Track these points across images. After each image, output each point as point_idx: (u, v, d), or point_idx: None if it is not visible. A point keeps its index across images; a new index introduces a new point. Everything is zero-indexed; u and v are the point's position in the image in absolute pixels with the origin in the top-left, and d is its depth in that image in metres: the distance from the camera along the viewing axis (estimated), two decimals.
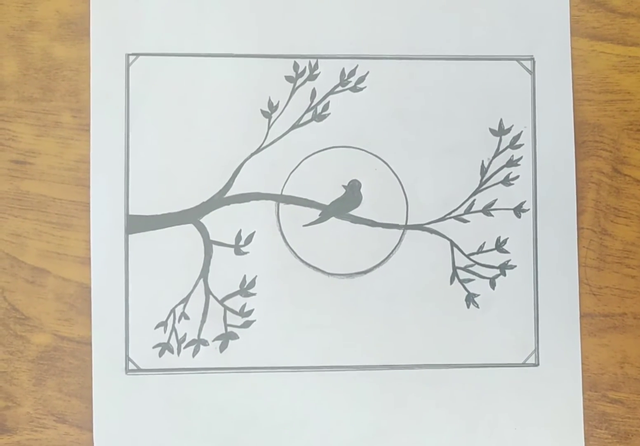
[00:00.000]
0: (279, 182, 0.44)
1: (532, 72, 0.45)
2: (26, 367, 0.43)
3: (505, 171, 0.45)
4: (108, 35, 0.44)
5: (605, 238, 0.45)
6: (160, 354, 0.43)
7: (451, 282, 0.44)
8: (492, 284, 0.45)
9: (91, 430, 0.43)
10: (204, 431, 0.43)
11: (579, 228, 0.45)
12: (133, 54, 0.44)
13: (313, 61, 0.44)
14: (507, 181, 0.45)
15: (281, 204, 0.44)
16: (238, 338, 0.44)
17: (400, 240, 0.44)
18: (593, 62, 0.45)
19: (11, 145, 0.44)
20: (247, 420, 0.43)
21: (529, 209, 0.45)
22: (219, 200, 0.44)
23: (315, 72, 0.44)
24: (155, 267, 0.43)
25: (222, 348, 0.44)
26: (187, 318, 0.43)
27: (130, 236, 0.43)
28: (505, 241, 0.45)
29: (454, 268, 0.45)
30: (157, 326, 0.43)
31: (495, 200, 0.45)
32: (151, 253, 0.43)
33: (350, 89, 0.45)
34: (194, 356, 0.43)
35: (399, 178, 0.45)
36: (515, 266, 0.45)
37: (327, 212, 0.44)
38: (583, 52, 0.46)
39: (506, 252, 0.45)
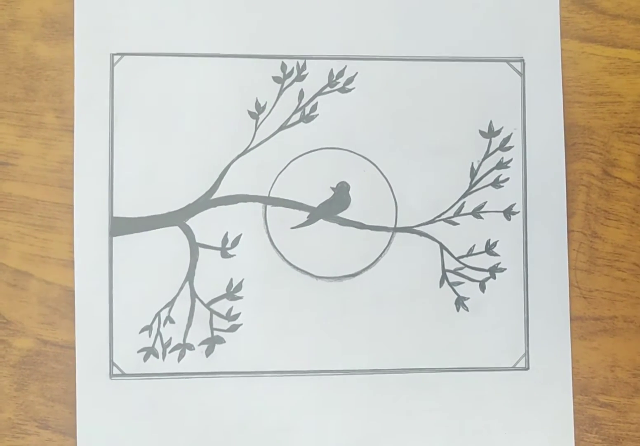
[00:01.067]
0: (266, 184, 0.44)
1: (522, 74, 0.45)
2: (8, 372, 0.43)
3: (495, 173, 0.45)
4: (92, 35, 0.43)
5: (595, 241, 0.45)
6: (145, 358, 0.43)
7: (441, 285, 0.44)
8: (482, 287, 0.44)
9: (74, 436, 0.42)
10: (190, 437, 0.43)
11: (569, 231, 0.45)
12: (118, 54, 0.43)
13: (301, 62, 0.44)
14: (497, 183, 0.45)
15: (268, 206, 0.44)
16: (224, 342, 0.43)
17: (389, 243, 0.44)
18: (583, 63, 0.45)
19: None
20: (234, 425, 0.43)
21: (519, 212, 0.45)
22: (205, 202, 0.43)
23: (303, 73, 0.44)
24: (140, 270, 0.43)
25: (208, 352, 0.43)
26: (172, 322, 0.43)
27: (114, 238, 0.43)
28: (495, 244, 0.44)
29: (444, 271, 0.44)
30: (141, 330, 0.43)
31: (485, 202, 0.45)
32: (136, 256, 0.43)
33: (338, 90, 0.44)
34: (179, 360, 0.43)
35: (388, 180, 0.44)
36: (505, 269, 0.44)
37: (315, 214, 0.44)
38: (573, 53, 0.45)
39: (496, 255, 0.44)
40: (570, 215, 0.45)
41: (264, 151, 0.44)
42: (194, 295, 0.43)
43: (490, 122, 0.45)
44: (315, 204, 0.44)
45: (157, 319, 0.43)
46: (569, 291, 0.45)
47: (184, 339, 0.43)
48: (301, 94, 0.44)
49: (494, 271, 0.44)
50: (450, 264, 0.44)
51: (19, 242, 0.43)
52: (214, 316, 0.43)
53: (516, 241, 0.45)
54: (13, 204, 0.43)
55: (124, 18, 0.43)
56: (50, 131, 0.43)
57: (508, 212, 0.45)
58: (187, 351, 0.43)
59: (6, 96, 0.43)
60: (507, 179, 0.45)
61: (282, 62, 0.44)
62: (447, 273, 0.44)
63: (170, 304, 0.43)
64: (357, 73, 0.44)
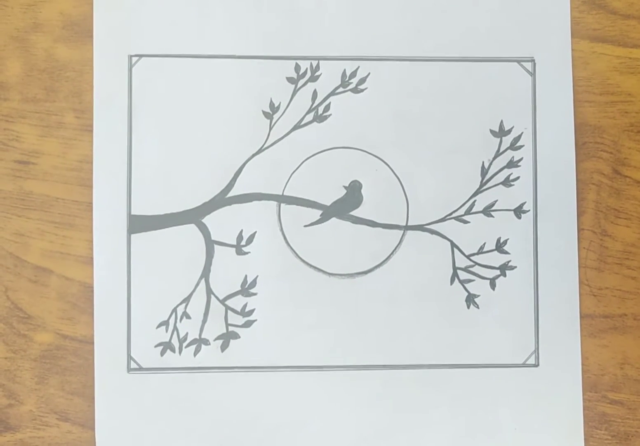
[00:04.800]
0: (280, 182, 0.44)
1: (532, 74, 0.45)
2: (29, 365, 0.44)
3: (506, 172, 0.45)
4: (111, 37, 0.44)
5: (605, 239, 0.45)
6: (162, 353, 0.43)
7: (451, 282, 0.45)
8: (493, 285, 0.45)
9: (93, 429, 0.43)
10: (205, 430, 0.43)
11: (579, 229, 0.45)
12: (136, 55, 0.44)
13: (314, 62, 0.45)
14: (507, 182, 0.45)
15: (282, 205, 0.44)
16: (239, 337, 0.44)
17: (401, 241, 0.45)
18: (594, 63, 0.46)
19: (15, 145, 0.44)
20: (248, 419, 0.43)
21: (529, 210, 0.45)
22: (221, 200, 0.44)
23: (317, 74, 0.45)
24: (157, 267, 0.43)
25: (224, 347, 0.44)
26: (188, 317, 0.44)
27: (132, 235, 0.44)
28: (505, 242, 0.45)
29: (454, 269, 0.45)
30: (158, 326, 0.43)
31: (496, 201, 0.45)
32: (153, 253, 0.43)
33: (351, 90, 0.45)
34: (195, 355, 0.44)
35: (399, 179, 0.45)
36: (515, 267, 0.45)
37: (328, 212, 0.44)
38: (584, 53, 0.46)
39: (506, 253, 0.45)
40: (580, 213, 0.45)
41: (278, 150, 0.44)
42: (209, 291, 0.44)
43: (501, 121, 0.45)
44: (328, 202, 0.45)
45: (173, 314, 0.44)
46: (579, 289, 0.45)
47: (200, 335, 0.44)
48: (314, 95, 0.45)
49: (504, 268, 0.45)
50: (461, 262, 0.45)
51: (40, 239, 0.44)
52: (229, 312, 0.44)
53: (526, 239, 0.45)
54: (34, 202, 0.44)
55: (142, 20, 0.44)
56: (70, 130, 0.44)
57: (518, 211, 0.45)
58: (202, 346, 0.44)
59: (28, 96, 0.44)
60: (518, 178, 0.45)
61: (296, 63, 0.45)
62: (458, 271, 0.45)
63: (187, 300, 0.44)
64: (369, 73, 0.45)
